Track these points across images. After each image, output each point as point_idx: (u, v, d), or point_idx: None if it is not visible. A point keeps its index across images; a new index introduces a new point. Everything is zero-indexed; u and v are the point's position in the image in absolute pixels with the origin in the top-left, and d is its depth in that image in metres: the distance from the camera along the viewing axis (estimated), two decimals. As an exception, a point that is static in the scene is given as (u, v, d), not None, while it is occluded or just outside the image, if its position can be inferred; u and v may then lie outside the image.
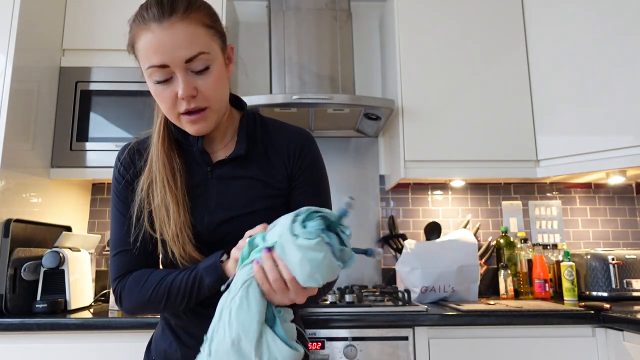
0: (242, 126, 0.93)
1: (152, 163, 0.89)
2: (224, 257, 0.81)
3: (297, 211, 0.70)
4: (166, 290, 0.83)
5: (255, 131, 0.94)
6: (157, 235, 0.87)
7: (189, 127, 0.84)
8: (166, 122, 0.91)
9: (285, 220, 0.70)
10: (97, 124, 1.81)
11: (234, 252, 0.78)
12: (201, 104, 0.81)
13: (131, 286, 0.86)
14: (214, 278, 0.80)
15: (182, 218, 0.85)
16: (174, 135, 0.91)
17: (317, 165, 0.95)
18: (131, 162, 0.94)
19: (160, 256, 0.92)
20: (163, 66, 0.78)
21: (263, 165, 0.92)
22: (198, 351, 0.74)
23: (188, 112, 0.81)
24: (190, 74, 0.79)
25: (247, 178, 0.90)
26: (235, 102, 0.98)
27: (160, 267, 0.95)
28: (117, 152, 0.98)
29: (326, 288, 0.88)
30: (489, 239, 2.15)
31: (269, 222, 0.80)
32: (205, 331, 0.72)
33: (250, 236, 0.74)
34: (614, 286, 1.78)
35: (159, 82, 0.80)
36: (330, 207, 0.95)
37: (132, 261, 0.89)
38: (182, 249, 0.84)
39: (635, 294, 1.78)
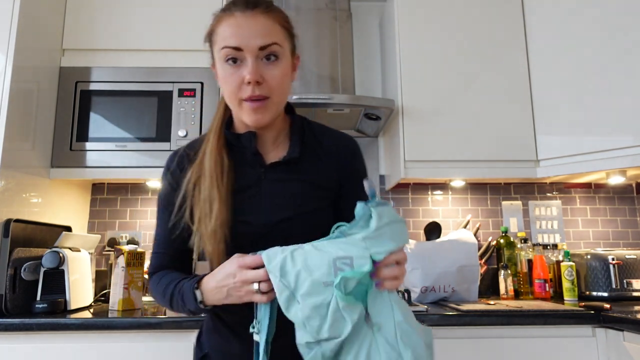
0: (294, 129, 0.97)
1: (204, 157, 0.92)
2: (199, 295, 0.85)
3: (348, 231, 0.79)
4: (168, 300, 0.90)
5: (305, 134, 0.97)
6: (194, 228, 0.90)
7: (249, 114, 0.87)
8: (222, 122, 0.95)
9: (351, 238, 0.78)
10: (97, 124, 1.81)
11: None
12: (264, 92, 0.86)
13: (152, 286, 0.95)
14: (192, 307, 0.86)
15: (224, 216, 0.87)
16: (226, 137, 0.94)
17: (364, 172, 1.00)
18: (180, 171, 0.97)
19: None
20: (237, 49, 0.84)
21: (314, 168, 0.95)
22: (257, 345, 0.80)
23: (250, 99, 0.85)
24: (260, 62, 0.85)
25: (300, 180, 0.93)
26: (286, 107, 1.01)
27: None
28: (163, 156, 1.04)
29: None
30: (489, 239, 2.15)
31: (320, 222, 0.90)
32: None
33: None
34: (614, 286, 1.78)
35: (229, 64, 0.85)
36: None
37: (164, 263, 0.97)
38: (217, 247, 0.87)
39: (635, 294, 1.78)
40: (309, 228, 0.91)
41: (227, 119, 0.96)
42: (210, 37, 0.90)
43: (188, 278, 0.88)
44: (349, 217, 0.94)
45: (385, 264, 0.75)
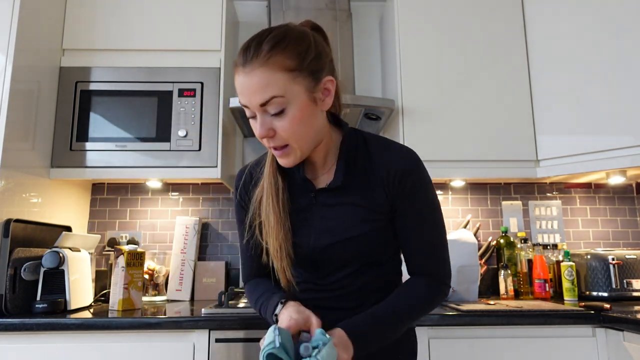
0: (342, 153, 0.94)
1: (265, 178, 0.96)
2: (279, 309, 0.88)
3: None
4: (257, 310, 0.98)
5: (357, 154, 0.95)
6: (264, 244, 0.95)
7: (278, 159, 0.90)
8: None
9: None
10: (97, 124, 1.81)
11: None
12: (279, 143, 0.86)
13: (247, 293, 1.05)
14: (265, 313, 0.94)
15: (282, 235, 0.91)
16: (276, 162, 0.96)
17: (419, 191, 0.94)
18: (245, 190, 1.02)
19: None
20: (245, 106, 0.85)
21: (363, 191, 0.93)
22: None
23: (272, 149, 0.88)
24: (267, 116, 0.84)
25: (349, 204, 0.93)
26: (336, 121, 0.99)
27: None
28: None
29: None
30: (489, 239, 2.15)
31: (373, 243, 0.91)
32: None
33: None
34: (614, 286, 1.78)
35: (249, 117, 0.87)
36: (437, 235, 0.96)
37: (251, 270, 1.06)
38: (279, 264, 0.91)
39: (635, 294, 1.78)
40: (361, 251, 0.92)
41: None
42: None
43: (282, 297, 0.92)
44: (406, 236, 0.95)
45: None
